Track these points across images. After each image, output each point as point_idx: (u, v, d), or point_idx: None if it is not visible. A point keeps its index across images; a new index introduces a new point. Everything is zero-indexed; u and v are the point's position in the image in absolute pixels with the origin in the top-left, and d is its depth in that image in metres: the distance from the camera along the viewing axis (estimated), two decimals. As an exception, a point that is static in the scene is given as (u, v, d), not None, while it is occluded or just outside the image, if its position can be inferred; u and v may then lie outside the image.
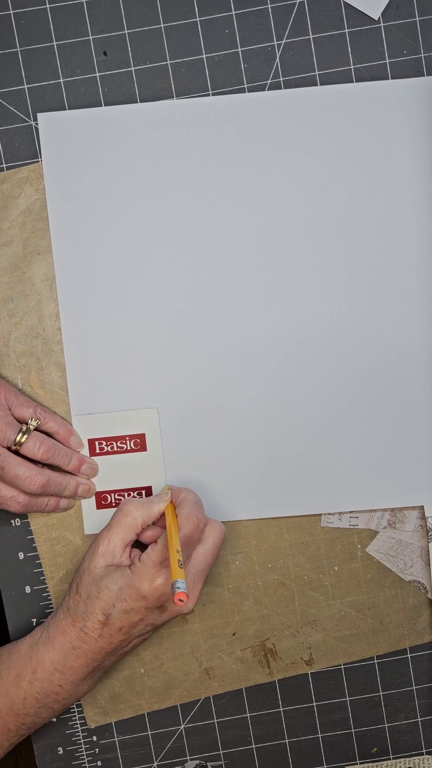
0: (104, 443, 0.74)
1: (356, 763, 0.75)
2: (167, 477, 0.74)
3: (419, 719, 0.75)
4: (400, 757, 0.75)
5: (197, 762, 0.75)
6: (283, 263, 0.73)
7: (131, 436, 0.74)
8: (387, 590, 0.74)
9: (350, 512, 0.74)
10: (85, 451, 0.73)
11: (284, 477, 0.73)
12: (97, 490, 0.74)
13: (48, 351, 0.74)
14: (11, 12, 0.73)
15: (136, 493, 0.73)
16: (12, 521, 0.74)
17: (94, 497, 0.74)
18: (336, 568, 0.74)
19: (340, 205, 0.73)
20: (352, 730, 0.75)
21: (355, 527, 0.74)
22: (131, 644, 0.69)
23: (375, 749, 0.75)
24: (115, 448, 0.74)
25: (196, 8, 0.73)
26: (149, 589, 0.65)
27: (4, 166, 0.73)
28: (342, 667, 0.75)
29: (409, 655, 0.75)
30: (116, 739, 0.75)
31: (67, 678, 0.68)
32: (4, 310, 0.74)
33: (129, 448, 0.74)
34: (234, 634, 0.75)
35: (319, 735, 0.75)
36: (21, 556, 0.74)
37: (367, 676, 0.75)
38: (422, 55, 0.72)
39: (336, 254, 0.73)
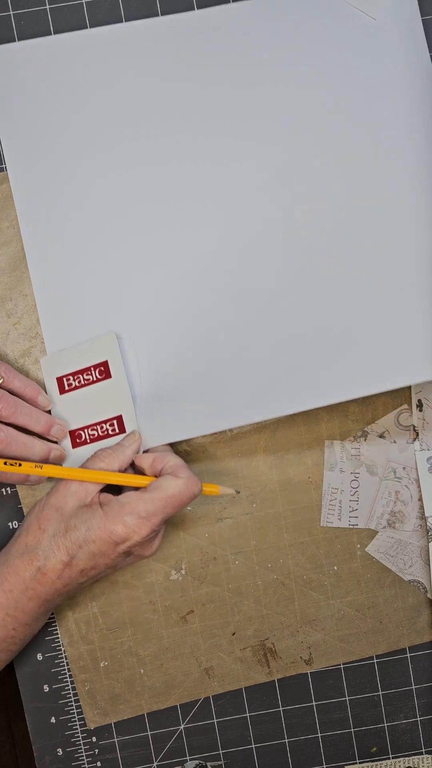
0: (71, 378, 0.72)
1: (356, 763, 0.75)
2: (135, 399, 0.72)
3: (419, 719, 0.75)
4: (399, 757, 0.75)
5: (197, 762, 0.75)
6: (254, 166, 0.72)
7: (95, 366, 0.72)
8: (387, 590, 0.75)
9: (350, 510, 0.74)
10: (55, 394, 0.72)
11: (260, 381, 0.71)
12: (71, 428, 0.72)
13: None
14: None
15: (108, 423, 0.72)
16: (9, 524, 0.74)
17: (69, 437, 0.72)
18: (336, 567, 0.74)
19: (330, 101, 0.72)
20: (352, 730, 0.75)
21: (355, 527, 0.74)
22: (85, 585, 0.67)
23: (374, 749, 0.75)
24: (83, 381, 0.72)
25: None
26: (122, 532, 0.64)
27: (5, 166, 0.73)
28: (341, 666, 0.75)
29: (408, 655, 0.75)
30: (116, 739, 0.75)
31: (19, 620, 0.65)
32: (2, 309, 0.74)
33: (95, 378, 0.72)
34: (234, 633, 0.74)
35: (319, 735, 0.75)
36: (20, 556, 0.74)
37: (366, 675, 0.75)
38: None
39: (323, 143, 0.72)
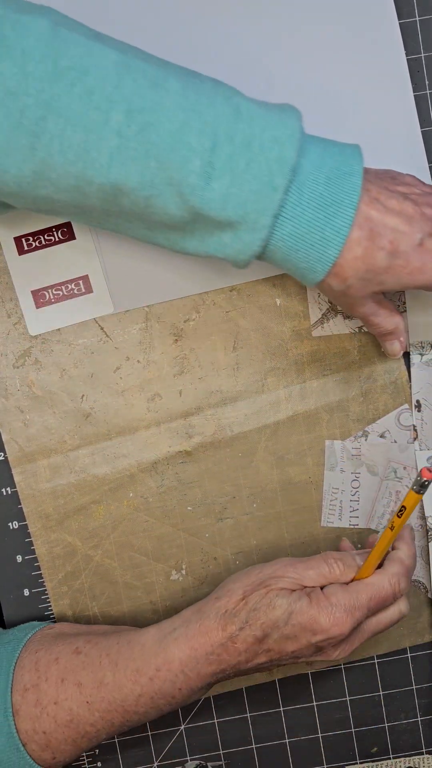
0: (31, 239, 0.71)
1: (356, 763, 0.75)
2: (103, 261, 0.71)
3: (419, 719, 0.75)
4: (400, 757, 0.75)
5: (197, 762, 0.75)
6: None
7: (57, 227, 0.70)
8: (387, 590, 0.75)
9: (351, 510, 0.74)
10: (13, 251, 0.70)
11: None
12: (33, 288, 0.71)
13: (47, 351, 0.73)
14: None
15: (74, 283, 0.71)
16: (10, 524, 0.74)
17: (31, 296, 0.71)
18: (336, 567, 0.74)
19: None
20: (352, 730, 0.75)
21: (356, 527, 0.74)
22: (258, 670, 0.64)
23: (375, 749, 0.75)
24: (43, 242, 0.71)
25: None
26: (324, 622, 0.61)
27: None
28: (342, 666, 0.75)
29: (409, 655, 0.75)
30: (116, 740, 0.75)
31: (190, 683, 0.62)
32: (2, 309, 0.73)
33: (57, 239, 0.71)
34: (234, 634, 0.74)
35: (319, 735, 0.75)
36: (19, 559, 0.74)
37: (367, 675, 0.75)
38: (422, 55, 0.72)
39: None
